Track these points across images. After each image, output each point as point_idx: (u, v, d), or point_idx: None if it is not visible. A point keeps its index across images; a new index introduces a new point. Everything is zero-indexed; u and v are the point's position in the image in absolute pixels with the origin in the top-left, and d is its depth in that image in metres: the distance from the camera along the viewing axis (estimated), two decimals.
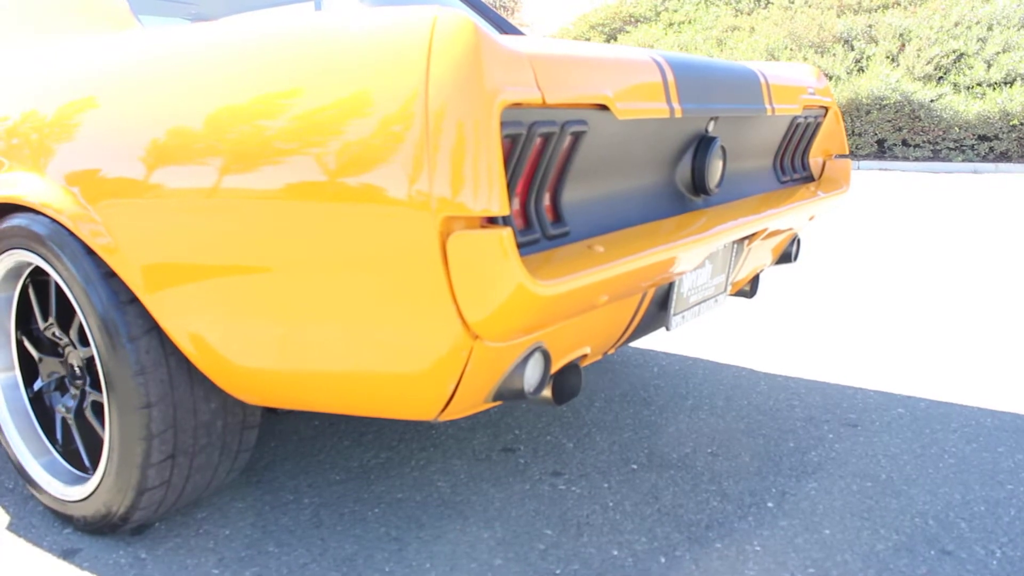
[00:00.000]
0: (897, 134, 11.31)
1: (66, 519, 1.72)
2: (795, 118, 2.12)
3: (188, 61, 1.36)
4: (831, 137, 2.35)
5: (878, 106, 11.38)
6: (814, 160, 2.36)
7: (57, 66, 1.59)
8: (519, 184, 1.22)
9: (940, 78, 11.80)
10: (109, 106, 1.45)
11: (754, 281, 2.27)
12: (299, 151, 1.18)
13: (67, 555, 1.63)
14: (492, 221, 1.09)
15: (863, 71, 12.38)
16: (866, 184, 8.72)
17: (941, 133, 11.10)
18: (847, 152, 2.38)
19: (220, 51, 1.34)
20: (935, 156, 11.17)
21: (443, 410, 1.27)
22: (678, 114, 1.49)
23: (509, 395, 1.31)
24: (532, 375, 1.31)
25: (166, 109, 1.36)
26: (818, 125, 2.29)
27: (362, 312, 1.20)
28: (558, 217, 1.32)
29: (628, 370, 2.61)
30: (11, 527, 1.75)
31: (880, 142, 11.58)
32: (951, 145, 10.99)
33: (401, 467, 1.95)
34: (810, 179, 2.35)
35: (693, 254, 1.51)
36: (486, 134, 1.04)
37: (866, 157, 11.55)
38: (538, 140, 1.20)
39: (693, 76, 1.58)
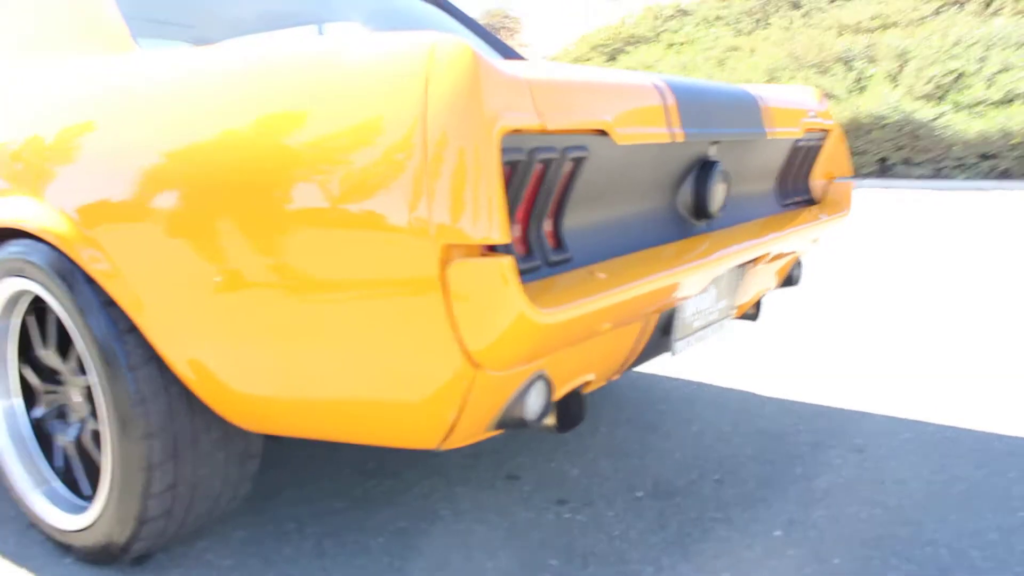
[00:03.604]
0: (899, 153, 11.32)
1: (66, 548, 1.70)
2: (796, 141, 2.12)
3: (188, 86, 1.36)
4: (833, 159, 2.35)
5: (879, 125, 11.40)
6: (816, 183, 2.35)
7: (56, 89, 1.59)
8: (520, 210, 1.22)
9: (940, 97, 11.82)
10: (108, 130, 1.44)
11: (758, 304, 2.25)
12: (298, 177, 1.18)
13: None
14: (492, 249, 1.08)
15: (864, 90, 12.41)
16: (869, 202, 8.71)
17: (943, 152, 11.10)
18: (850, 174, 2.37)
19: (219, 77, 1.34)
20: (937, 174, 11.17)
21: (444, 439, 1.26)
22: (679, 138, 1.48)
23: (511, 424, 1.29)
24: (534, 403, 1.29)
25: (164, 134, 1.35)
26: (819, 148, 2.28)
27: (363, 340, 1.19)
28: (559, 243, 1.31)
29: (633, 394, 2.59)
30: (11, 557, 1.73)
31: (882, 160, 11.58)
32: (953, 163, 10.99)
33: (404, 495, 1.93)
34: (811, 202, 2.34)
35: (696, 279, 1.50)
36: (486, 161, 1.03)
37: (869, 175, 11.55)
38: (538, 166, 1.19)
39: (693, 100, 1.57)
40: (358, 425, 1.31)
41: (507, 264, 1.02)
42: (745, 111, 1.80)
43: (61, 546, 1.70)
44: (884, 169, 11.56)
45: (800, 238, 1.99)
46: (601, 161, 1.35)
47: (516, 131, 1.10)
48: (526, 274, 1.21)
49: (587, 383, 1.50)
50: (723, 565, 1.60)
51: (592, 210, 1.41)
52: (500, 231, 1.03)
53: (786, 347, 3.10)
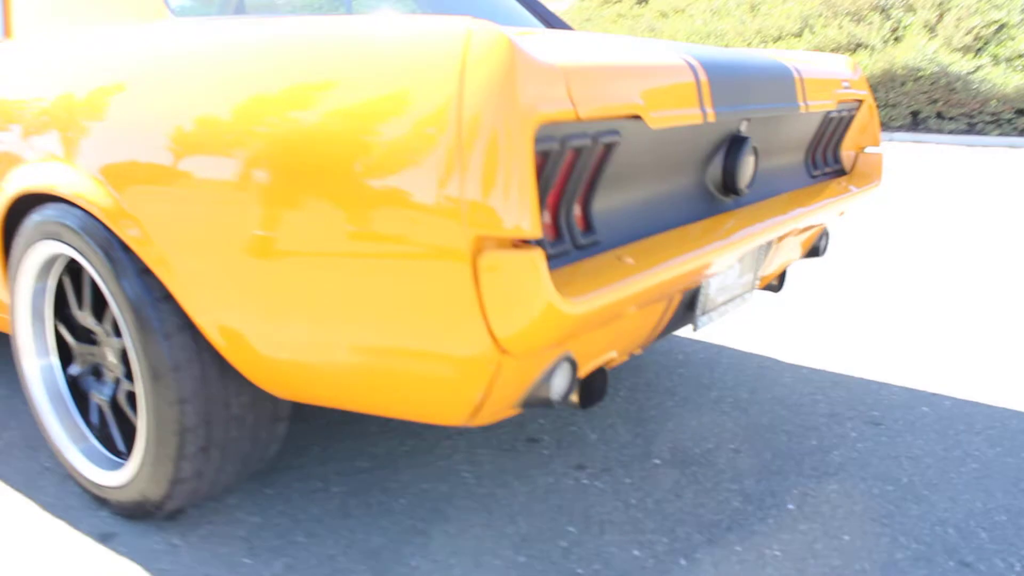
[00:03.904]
0: (932, 106, 11.11)
1: (102, 501, 1.77)
2: (829, 113, 2.10)
3: (222, 54, 1.37)
4: (864, 130, 2.33)
5: (913, 77, 11.17)
6: (846, 153, 2.34)
7: (88, 56, 1.60)
8: (551, 196, 1.23)
9: (979, 49, 11.54)
10: (140, 97, 1.46)
11: (781, 276, 2.26)
12: (332, 151, 1.19)
13: (104, 539, 1.68)
14: (524, 241, 1.09)
15: (900, 40, 12.14)
16: (899, 158, 8.59)
17: (977, 106, 10.88)
18: (878, 144, 2.35)
19: (254, 45, 1.35)
20: (970, 130, 10.97)
21: (472, 418, 1.29)
22: (711, 118, 1.48)
23: (537, 403, 1.33)
24: (559, 384, 1.32)
25: (198, 101, 1.37)
26: (851, 118, 2.26)
27: (394, 316, 1.22)
28: (588, 226, 1.33)
29: (653, 358, 2.62)
30: (50, 508, 1.80)
31: (914, 114, 11.37)
32: (987, 119, 10.78)
33: (427, 455, 1.98)
34: (841, 172, 2.32)
35: (723, 259, 1.52)
36: (519, 154, 1.04)
37: (899, 129, 11.36)
38: (570, 153, 1.20)
39: (726, 77, 1.56)
40: (387, 399, 1.34)
41: (537, 257, 1.04)
42: (779, 85, 1.78)
43: (97, 498, 1.77)
44: (915, 123, 11.36)
45: (828, 212, 1.99)
46: (632, 143, 1.35)
47: (550, 121, 1.11)
48: (555, 259, 1.23)
49: (610, 360, 1.53)
50: (736, 538, 1.65)
51: (621, 190, 1.42)
52: (531, 225, 1.05)
53: (808, 311, 3.11)
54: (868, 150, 2.35)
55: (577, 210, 1.31)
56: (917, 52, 11.20)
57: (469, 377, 1.20)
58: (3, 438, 2.15)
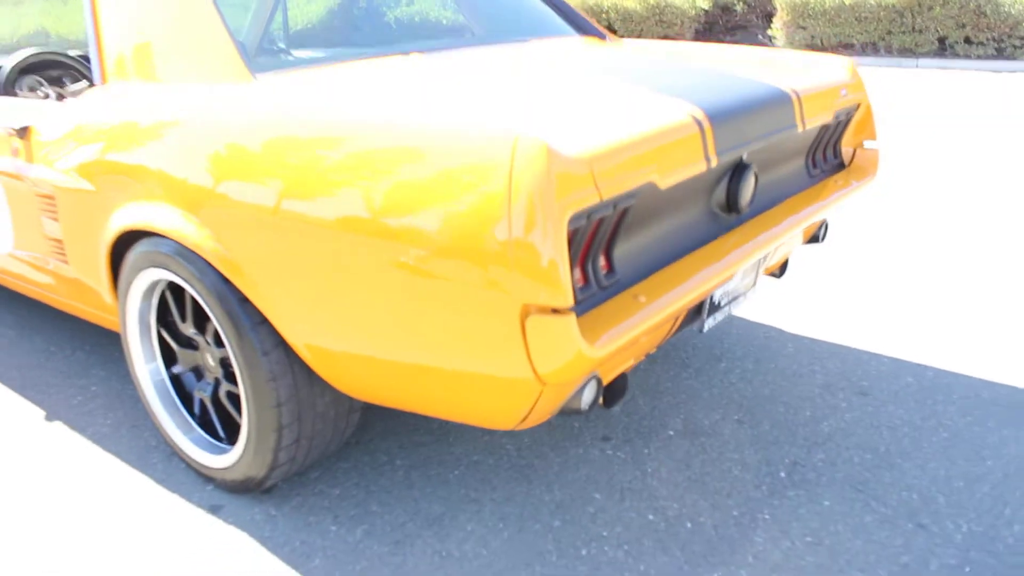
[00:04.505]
0: (960, 31, 11.04)
1: (207, 479, 2.14)
2: (827, 123, 2.34)
3: (310, 129, 1.67)
4: (862, 126, 2.56)
5: (941, 2, 11.08)
6: (844, 148, 2.58)
7: (185, 113, 1.91)
8: (580, 254, 1.53)
9: None
10: (236, 150, 1.76)
11: (783, 264, 2.54)
12: (394, 225, 1.50)
13: (214, 510, 2.05)
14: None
15: None
16: (925, 87, 8.66)
17: (1007, 30, 10.81)
18: (875, 139, 2.60)
19: (330, 117, 1.65)
20: (999, 54, 10.93)
21: (518, 425, 1.63)
22: (715, 164, 1.76)
23: (570, 412, 1.65)
24: (588, 397, 1.65)
25: (283, 157, 1.68)
26: (849, 120, 2.50)
27: (458, 351, 1.54)
28: (611, 267, 1.63)
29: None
30: (162, 483, 2.18)
31: (941, 40, 11.32)
32: (1016, 43, 10.73)
33: (474, 430, 2.33)
34: (840, 166, 2.57)
35: (726, 276, 1.81)
36: (557, 243, 1.35)
37: (926, 55, 11.32)
38: (596, 222, 1.50)
39: (728, 120, 1.83)
40: (452, 408, 1.68)
41: (569, 322, 1.36)
42: (778, 113, 2.03)
43: (203, 476, 2.14)
44: (942, 49, 11.31)
45: (826, 212, 2.25)
46: (647, 197, 1.64)
47: (580, 208, 1.40)
48: (582, 304, 1.53)
49: (628, 366, 1.85)
50: (734, 503, 1.99)
51: (636, 232, 1.72)
52: (564, 298, 1.36)
53: (816, 278, 3.39)
54: (866, 144, 2.60)
55: (601, 259, 1.61)
56: None
57: (517, 398, 1.53)
58: (110, 420, 2.52)
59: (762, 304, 3.13)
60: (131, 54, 2.12)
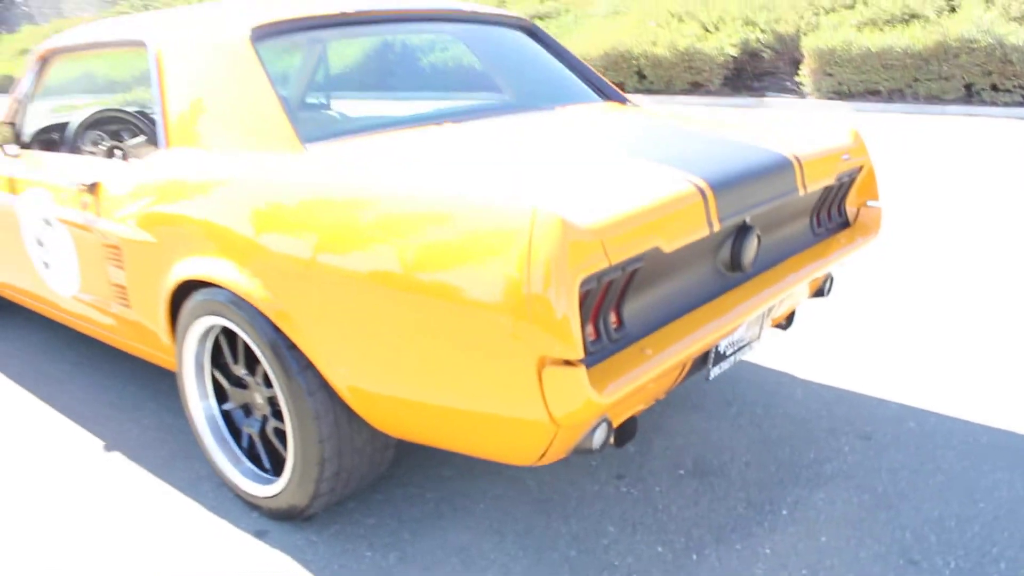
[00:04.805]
0: (986, 78, 11.16)
1: (253, 506, 2.34)
2: (829, 186, 2.52)
3: (342, 189, 1.90)
4: (865, 187, 2.73)
5: (967, 49, 11.21)
6: (848, 208, 2.75)
7: (237, 175, 2.14)
8: (592, 311, 1.72)
9: None
10: (285, 213, 1.99)
11: (790, 316, 2.71)
12: (428, 274, 1.71)
13: (260, 535, 2.25)
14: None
15: (955, 11, 12.14)
16: (951, 134, 8.79)
17: None
18: (878, 199, 2.77)
19: (371, 185, 1.87)
20: None
21: (536, 462, 1.81)
22: (716, 228, 1.95)
23: (583, 452, 1.83)
24: (599, 438, 1.83)
25: (328, 219, 1.90)
26: (852, 182, 2.67)
27: (483, 395, 1.73)
28: (620, 322, 1.82)
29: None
30: (213, 510, 2.38)
31: (968, 87, 11.45)
32: None
33: (498, 467, 2.51)
34: (845, 224, 2.74)
35: (729, 330, 1.99)
36: (569, 304, 1.54)
37: (952, 102, 11.44)
38: (606, 284, 1.69)
39: (730, 188, 2.01)
40: (476, 445, 1.87)
41: (580, 373, 1.55)
42: (780, 179, 2.22)
43: (250, 504, 2.34)
44: (969, 96, 11.43)
45: (827, 269, 2.42)
46: (653, 260, 1.83)
47: (591, 273, 1.60)
48: (593, 356, 1.72)
49: (638, 410, 2.03)
50: (737, 537, 2.14)
51: (645, 290, 1.90)
52: (575, 352, 1.55)
53: (830, 321, 3.54)
54: (869, 204, 2.77)
55: (612, 316, 1.80)
56: (972, 23, 11.24)
57: (535, 438, 1.72)
58: (164, 451, 2.74)
59: (775, 352, 3.29)
60: (193, 124, 2.37)
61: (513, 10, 17.47)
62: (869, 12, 12.76)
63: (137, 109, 3.90)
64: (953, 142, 8.53)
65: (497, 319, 1.62)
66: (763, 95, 13.31)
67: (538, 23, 17.10)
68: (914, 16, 12.48)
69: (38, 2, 48.18)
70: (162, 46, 2.49)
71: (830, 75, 12.33)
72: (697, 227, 1.88)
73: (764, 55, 13.76)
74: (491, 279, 1.63)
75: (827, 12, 13.49)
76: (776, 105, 12.68)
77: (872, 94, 12.19)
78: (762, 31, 13.83)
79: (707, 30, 14.24)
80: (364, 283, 1.83)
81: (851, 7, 13.37)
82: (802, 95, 12.94)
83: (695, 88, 13.87)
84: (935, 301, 3.82)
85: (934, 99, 11.59)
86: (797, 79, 13.07)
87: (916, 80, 11.68)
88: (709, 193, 1.94)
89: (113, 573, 2.12)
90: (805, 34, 13.15)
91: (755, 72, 13.94)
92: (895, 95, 11.95)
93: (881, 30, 12.31)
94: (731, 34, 13.76)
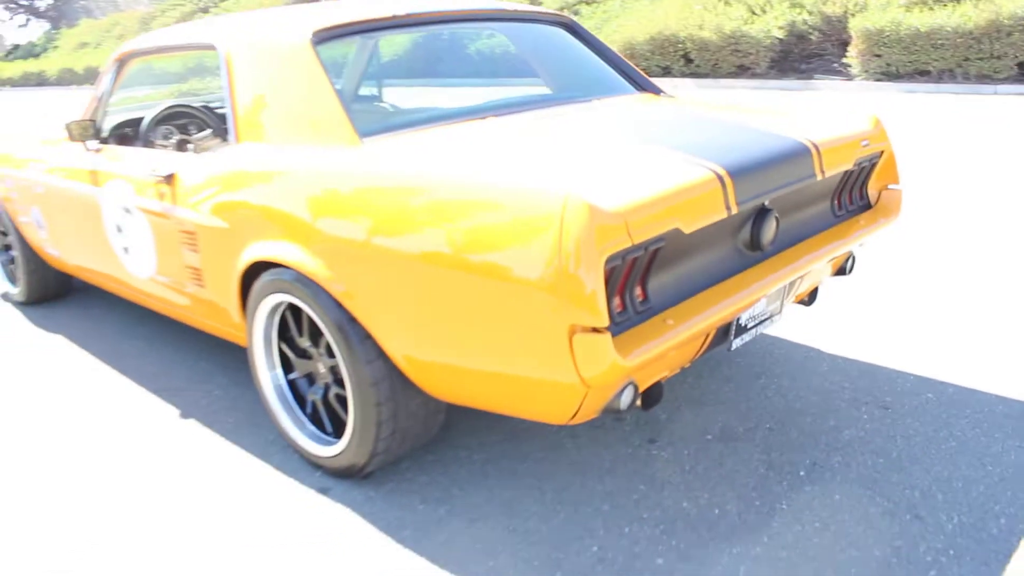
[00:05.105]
0: None
1: (316, 466, 2.59)
2: (849, 170, 2.67)
3: (396, 178, 2.13)
4: (885, 172, 2.88)
5: (1021, 27, 11.09)
6: (870, 191, 2.90)
7: (302, 167, 2.38)
8: (619, 286, 1.92)
9: None
10: (346, 199, 2.23)
11: (813, 293, 2.88)
12: (473, 254, 1.93)
13: (323, 491, 2.50)
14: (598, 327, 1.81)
15: None
16: (1004, 113, 8.75)
17: None
18: (899, 182, 2.91)
19: (422, 175, 2.09)
20: None
21: (570, 419, 2.03)
22: (735, 211, 2.13)
23: (612, 411, 2.04)
24: (626, 400, 2.03)
25: (384, 205, 2.13)
26: (873, 167, 2.83)
27: (522, 360, 1.95)
28: (646, 296, 2.02)
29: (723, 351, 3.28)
30: (281, 470, 2.64)
31: (1021, 65, 11.32)
32: None
33: (541, 430, 2.73)
34: (867, 206, 2.89)
35: (747, 304, 2.18)
36: (595, 279, 1.75)
37: (1004, 81, 11.33)
38: (630, 261, 1.90)
39: (747, 174, 2.19)
40: (517, 406, 2.09)
41: (605, 338, 1.76)
42: (797, 164, 2.39)
43: (313, 464, 2.59)
44: (1022, 74, 11.31)
45: (847, 247, 2.59)
46: (676, 241, 2.03)
47: (616, 251, 1.80)
48: (619, 325, 1.92)
49: (663, 376, 2.23)
50: (757, 495, 2.34)
51: (668, 267, 2.10)
52: (601, 320, 1.76)
53: (859, 301, 3.69)
54: (890, 187, 2.92)
55: (637, 289, 2.00)
56: None
57: (568, 398, 1.94)
58: (232, 419, 3.01)
59: (803, 328, 3.45)
60: (261, 121, 2.61)
61: None
62: None
63: (203, 104, 4.18)
64: (1003, 121, 8.50)
65: (534, 293, 1.84)
66: (810, 77, 13.28)
67: (585, 8, 17.21)
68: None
69: None
70: (231, 50, 2.75)
71: (878, 56, 12.26)
72: (715, 210, 2.07)
73: (811, 37, 13.70)
74: (528, 258, 1.85)
75: None
76: (823, 87, 12.65)
77: (921, 74, 12.10)
78: (809, 13, 13.76)
79: (754, 13, 14.21)
80: (416, 262, 2.05)
81: None
82: (850, 77, 12.88)
83: (742, 71, 13.88)
84: (960, 279, 3.94)
85: (985, 78, 11.48)
86: (845, 61, 13.00)
87: (966, 59, 11.57)
88: (727, 179, 2.13)
89: (193, 527, 2.39)
90: (853, 15, 13.07)
91: (802, 54, 13.90)
92: (945, 75, 11.85)
93: (931, 9, 12.19)
94: (778, 16, 13.73)
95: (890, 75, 12.25)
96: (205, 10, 33.13)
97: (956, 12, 11.61)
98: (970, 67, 11.53)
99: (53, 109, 17.70)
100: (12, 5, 53.47)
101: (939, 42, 11.62)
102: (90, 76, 31.45)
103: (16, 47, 47.19)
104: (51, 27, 49.38)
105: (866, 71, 12.47)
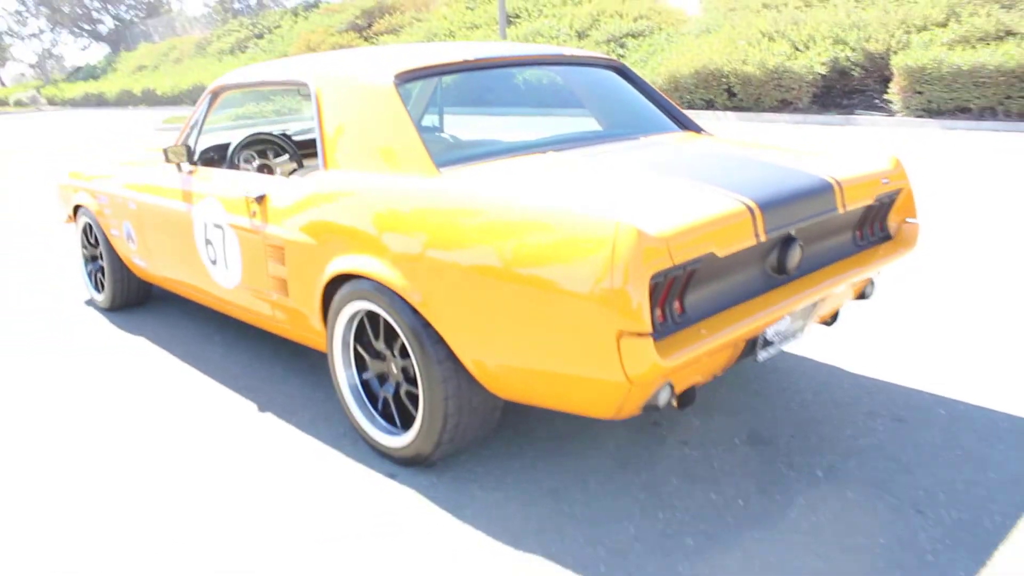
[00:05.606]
0: None
1: (384, 455, 2.94)
2: (870, 206, 2.97)
3: (469, 204, 2.48)
4: (903, 207, 3.17)
5: None
6: (889, 224, 3.19)
7: (386, 192, 2.75)
8: (660, 300, 2.25)
9: None
10: (423, 221, 2.58)
11: (834, 315, 3.18)
12: (536, 269, 2.27)
13: (390, 476, 2.84)
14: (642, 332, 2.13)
15: None
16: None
17: None
18: (916, 217, 3.20)
19: (493, 200, 2.44)
20: None
21: (615, 414, 2.35)
22: (763, 239, 2.45)
23: (650, 408, 2.36)
24: (663, 397, 2.35)
25: (457, 226, 2.48)
26: (892, 203, 3.12)
27: (575, 361, 2.28)
28: (683, 309, 2.34)
29: (752, 363, 3.58)
30: (353, 457, 2.99)
31: None
32: None
33: (586, 431, 3.05)
34: (887, 238, 3.18)
35: (772, 320, 2.48)
36: (641, 293, 2.09)
37: None
38: (670, 280, 2.22)
39: (775, 207, 2.51)
40: (568, 402, 2.42)
41: (649, 342, 2.09)
42: (820, 199, 2.70)
43: (381, 454, 2.94)
44: None
45: (867, 274, 2.89)
46: (711, 263, 2.35)
47: (659, 271, 2.13)
48: (661, 333, 2.24)
49: (697, 381, 2.54)
50: (777, 490, 2.63)
51: (704, 284, 2.42)
52: (645, 328, 2.09)
53: (882, 326, 3.96)
54: (908, 220, 3.21)
55: (676, 303, 2.32)
56: None
57: (614, 393, 2.26)
58: (307, 414, 3.37)
59: (828, 348, 3.73)
60: (348, 150, 3.00)
61: (608, 29, 17.99)
62: (961, 29, 12.79)
63: (282, 131, 4.60)
64: None
65: (588, 304, 2.17)
66: (852, 113, 13.49)
67: (631, 40, 17.61)
68: (1009, 33, 12.47)
69: (154, 22, 50.93)
70: (322, 86, 3.14)
71: (920, 93, 12.46)
72: (746, 238, 2.39)
73: (853, 73, 13.92)
74: (584, 275, 2.18)
75: (918, 30, 13.57)
76: (864, 123, 12.86)
77: (962, 111, 12.26)
78: (852, 49, 13.99)
79: (797, 48, 14.48)
80: (485, 276, 2.40)
81: (943, 25, 13.42)
82: (891, 113, 13.09)
83: (784, 106, 14.13)
84: (977, 305, 4.19)
85: None
86: (886, 97, 13.21)
87: (1008, 98, 11.73)
88: (757, 211, 2.45)
89: (273, 510, 2.75)
90: (895, 52, 13.29)
91: (844, 90, 14.12)
92: (986, 113, 12.01)
93: (974, 48, 12.37)
94: (821, 52, 13.97)
95: (931, 112, 12.44)
96: (260, 36, 34.15)
97: (999, 51, 11.80)
98: (1012, 105, 11.69)
99: (138, 130, 18.43)
100: (76, 29, 55.45)
101: (981, 80, 11.80)
102: (147, 97, 32.53)
103: (78, 69, 48.86)
104: (111, 50, 51.11)
105: (907, 107, 12.66)
